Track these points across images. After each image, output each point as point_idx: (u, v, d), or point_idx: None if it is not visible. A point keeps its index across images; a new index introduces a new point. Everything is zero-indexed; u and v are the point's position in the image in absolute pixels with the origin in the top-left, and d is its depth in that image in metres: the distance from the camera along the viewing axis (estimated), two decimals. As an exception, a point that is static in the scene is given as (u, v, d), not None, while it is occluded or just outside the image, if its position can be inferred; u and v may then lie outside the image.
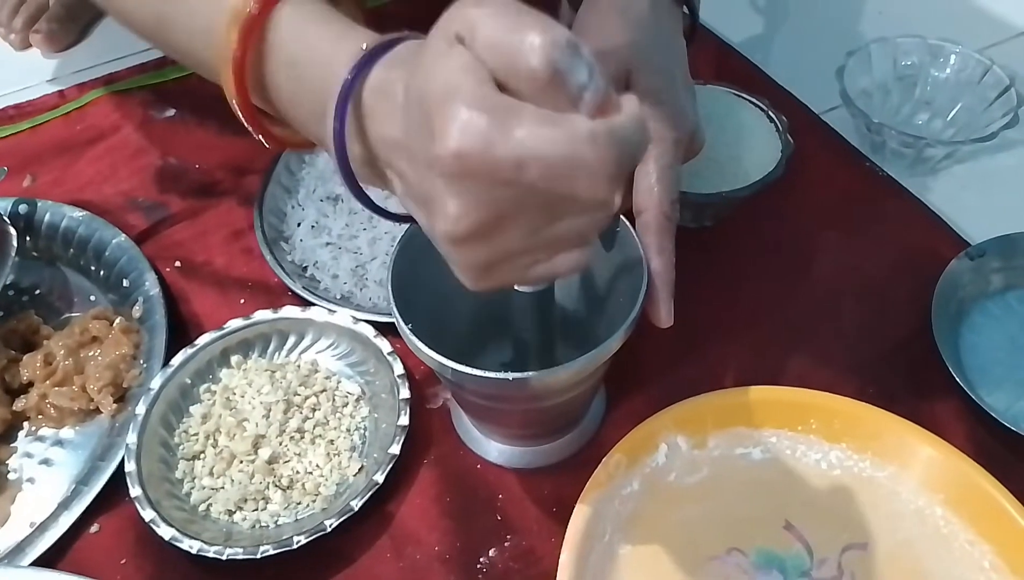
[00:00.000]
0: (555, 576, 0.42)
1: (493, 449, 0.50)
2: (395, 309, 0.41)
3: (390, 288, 0.42)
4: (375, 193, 0.37)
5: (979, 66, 0.65)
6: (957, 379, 0.49)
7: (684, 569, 0.44)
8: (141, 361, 0.54)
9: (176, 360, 0.52)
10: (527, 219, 0.29)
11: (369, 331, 0.53)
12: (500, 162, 0.27)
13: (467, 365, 0.39)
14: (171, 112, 0.72)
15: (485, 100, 0.27)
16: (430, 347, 0.39)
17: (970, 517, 0.44)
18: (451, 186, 0.28)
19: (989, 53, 0.66)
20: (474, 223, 0.29)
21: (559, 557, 0.42)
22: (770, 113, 0.60)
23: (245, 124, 0.40)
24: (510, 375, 0.38)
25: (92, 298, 0.60)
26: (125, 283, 0.58)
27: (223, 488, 0.49)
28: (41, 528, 0.47)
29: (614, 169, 0.28)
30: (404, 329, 0.40)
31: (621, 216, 0.44)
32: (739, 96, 0.61)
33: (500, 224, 0.29)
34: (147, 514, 0.46)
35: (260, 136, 0.41)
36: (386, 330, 0.53)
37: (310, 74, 0.36)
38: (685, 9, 0.51)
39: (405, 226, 0.45)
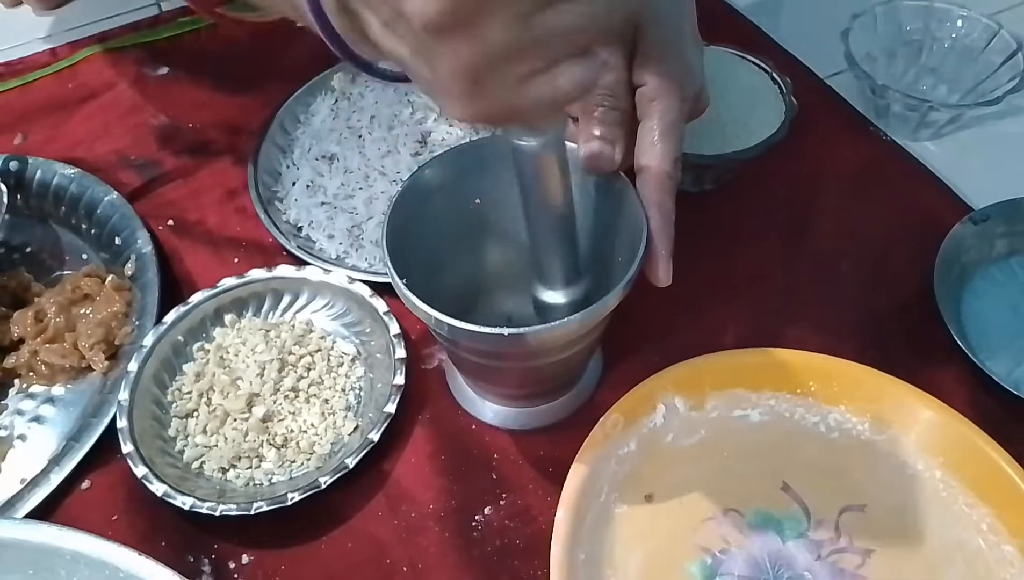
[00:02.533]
0: (550, 535, 0.41)
1: (488, 410, 0.49)
2: (390, 265, 0.40)
3: (385, 244, 0.41)
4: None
5: (986, 30, 0.64)
6: (959, 343, 0.49)
7: (680, 529, 0.44)
8: (133, 319, 0.53)
9: (169, 318, 0.52)
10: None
11: (365, 291, 0.53)
12: None
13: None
14: (164, 70, 0.71)
15: None
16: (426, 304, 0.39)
17: (969, 480, 0.44)
18: None
19: (997, 18, 0.64)
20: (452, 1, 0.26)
21: (555, 516, 0.42)
22: (774, 75, 0.59)
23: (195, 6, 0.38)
24: (505, 331, 0.38)
25: (84, 256, 0.59)
26: (117, 241, 0.57)
27: (216, 446, 0.49)
28: (32, 484, 0.47)
29: None
30: (398, 284, 0.39)
31: (622, 173, 0.43)
32: (743, 57, 0.60)
33: (483, 3, 0.27)
34: (139, 470, 0.45)
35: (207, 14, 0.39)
36: (382, 290, 0.53)
37: None
38: None
39: (401, 186, 0.44)
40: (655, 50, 0.44)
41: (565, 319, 0.38)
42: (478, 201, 0.46)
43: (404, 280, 0.39)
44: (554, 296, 0.44)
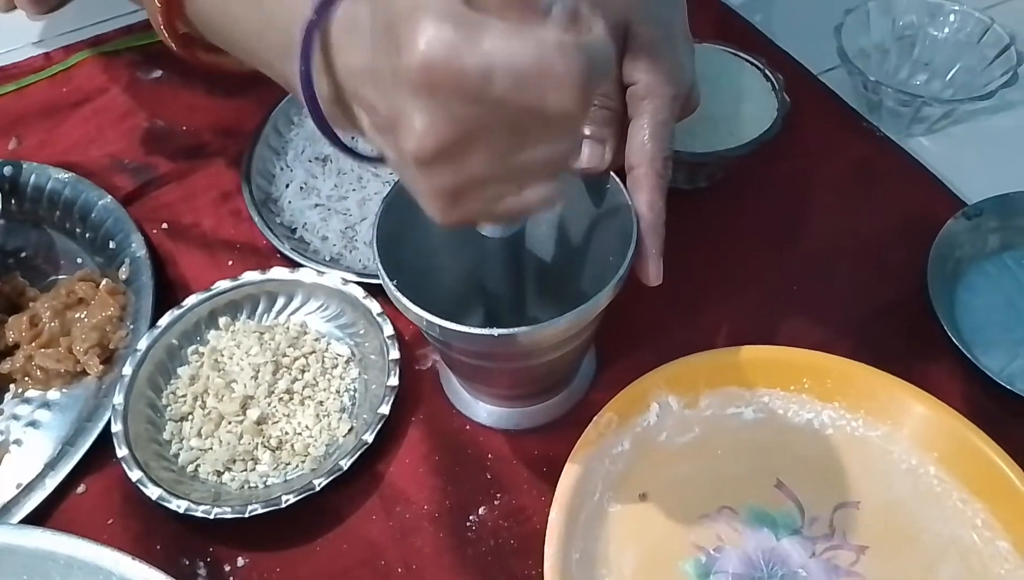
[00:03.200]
0: (545, 534, 0.41)
1: (482, 410, 0.49)
2: (380, 266, 0.40)
3: (375, 246, 0.41)
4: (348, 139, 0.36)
5: (979, 25, 0.64)
6: (952, 339, 0.49)
7: (674, 527, 0.44)
8: (128, 322, 0.53)
9: (163, 321, 0.52)
10: (495, 140, 0.29)
11: (359, 292, 0.53)
12: (467, 72, 0.26)
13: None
14: (158, 73, 0.71)
15: (453, 13, 0.27)
16: (416, 305, 0.39)
17: (963, 476, 0.44)
18: (418, 100, 0.28)
19: (990, 12, 0.64)
20: (441, 140, 0.28)
21: (549, 515, 0.42)
22: (766, 72, 0.59)
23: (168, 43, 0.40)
24: (496, 331, 0.38)
25: (78, 260, 0.59)
26: (111, 245, 0.57)
27: (211, 449, 0.49)
28: (27, 489, 0.47)
29: (582, 79, 0.27)
30: (389, 285, 0.39)
31: (612, 173, 0.43)
32: (735, 55, 0.60)
33: (468, 144, 0.28)
34: (134, 474, 0.46)
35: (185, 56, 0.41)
36: (376, 291, 0.53)
37: (272, 9, 0.35)
38: None
39: (392, 187, 0.44)
40: (646, 48, 0.44)
41: (555, 319, 0.38)
42: None
43: (395, 281, 0.39)
44: (482, 310, 0.46)
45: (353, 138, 0.37)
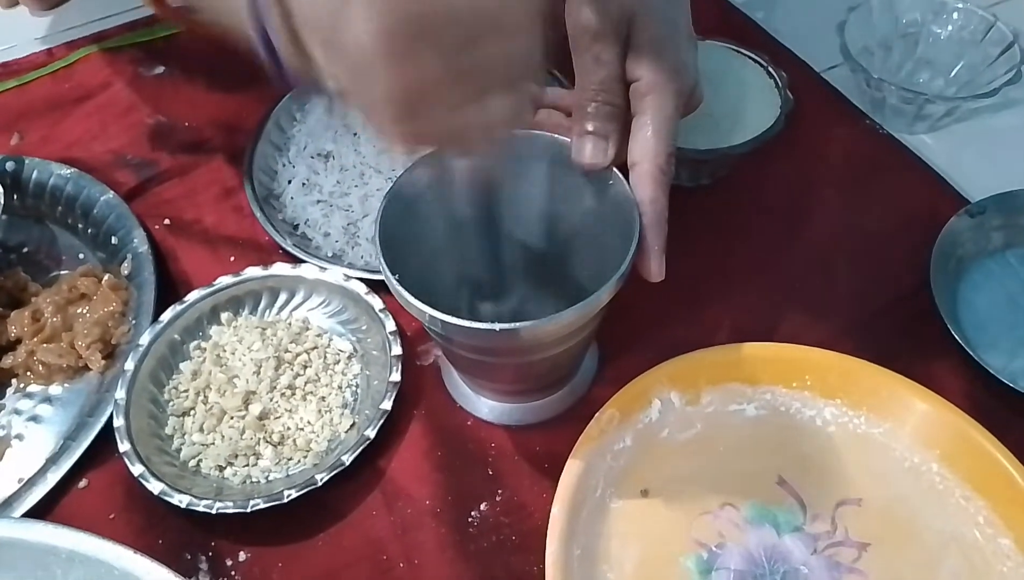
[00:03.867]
0: (546, 530, 0.41)
1: (484, 406, 0.49)
2: (382, 261, 0.40)
3: (377, 240, 0.41)
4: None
5: (982, 23, 0.64)
6: (955, 336, 0.49)
7: (676, 524, 0.44)
8: (130, 318, 0.53)
9: (165, 317, 0.52)
10: (443, 32, 0.28)
11: (361, 288, 0.53)
12: None
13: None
14: (160, 69, 0.71)
15: None
16: (419, 300, 0.39)
17: (965, 473, 0.44)
18: None
19: (993, 10, 0.64)
20: (387, 27, 0.28)
21: (550, 511, 0.42)
22: (770, 69, 0.59)
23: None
24: (498, 326, 0.38)
25: (80, 256, 0.59)
26: (114, 240, 0.57)
27: (213, 444, 0.49)
28: (29, 484, 0.47)
29: None
30: (391, 280, 0.39)
31: (614, 168, 0.43)
32: (738, 52, 0.60)
33: (413, 37, 0.28)
34: (136, 469, 0.46)
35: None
36: (378, 287, 0.53)
37: None
38: None
39: (394, 183, 0.44)
40: (649, 45, 0.44)
41: (557, 314, 0.38)
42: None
43: (397, 276, 0.39)
44: (483, 306, 0.45)
45: (356, 135, 0.37)
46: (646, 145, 0.43)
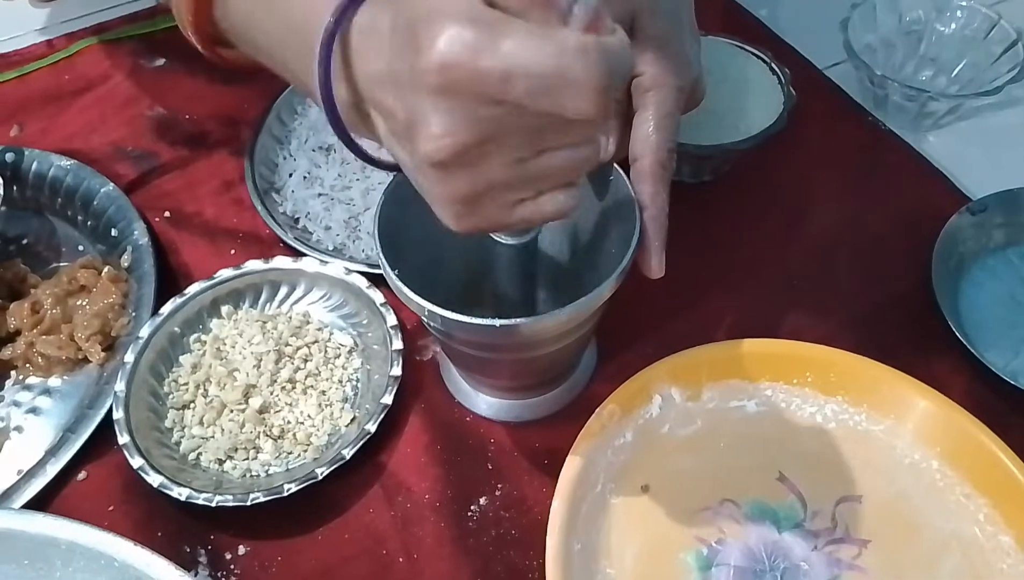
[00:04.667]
0: (546, 525, 0.41)
1: (482, 402, 0.49)
2: (381, 255, 0.40)
3: (377, 235, 0.41)
4: (367, 146, 0.36)
5: (986, 20, 0.64)
6: (956, 334, 0.49)
7: (676, 519, 0.44)
8: (130, 310, 0.53)
9: (165, 309, 0.52)
10: (513, 144, 0.28)
11: (362, 282, 0.53)
12: (486, 73, 0.26)
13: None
14: (161, 61, 0.71)
15: (473, 13, 0.26)
16: (418, 295, 0.39)
17: (966, 470, 0.44)
18: (436, 102, 0.28)
19: (997, 8, 0.64)
20: (458, 143, 0.28)
21: (550, 506, 0.42)
22: (772, 65, 0.59)
23: (194, 42, 0.41)
24: (497, 322, 0.37)
25: (80, 248, 0.59)
26: (114, 233, 0.57)
27: (213, 437, 0.49)
28: (28, 475, 0.47)
29: (602, 83, 0.27)
30: (390, 274, 0.39)
31: (615, 164, 0.43)
32: (741, 48, 0.60)
33: (485, 147, 0.28)
34: (135, 461, 0.45)
35: (209, 55, 0.42)
36: (379, 281, 0.52)
37: (294, 15, 0.35)
38: None
39: (394, 176, 0.44)
40: (652, 40, 0.44)
41: (557, 310, 0.38)
42: None
43: (396, 271, 0.39)
44: (483, 302, 0.46)
45: (378, 149, 0.37)
46: (647, 140, 0.43)
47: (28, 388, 0.52)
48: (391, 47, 0.30)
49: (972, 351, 0.48)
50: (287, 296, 0.55)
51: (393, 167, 0.38)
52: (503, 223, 0.33)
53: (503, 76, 0.26)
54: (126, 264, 0.55)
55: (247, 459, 0.48)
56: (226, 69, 0.45)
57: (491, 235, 0.39)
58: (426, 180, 0.31)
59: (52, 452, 0.47)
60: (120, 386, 0.48)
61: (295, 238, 0.56)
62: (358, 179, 0.58)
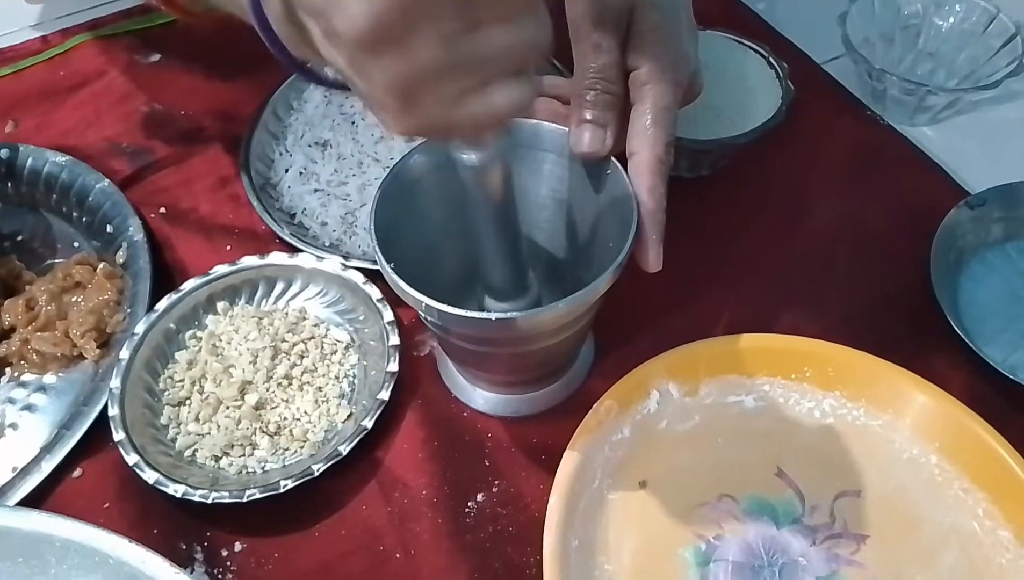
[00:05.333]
0: (543, 521, 0.41)
1: (479, 397, 0.49)
2: (378, 250, 0.40)
3: (373, 230, 0.40)
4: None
5: (984, 14, 0.63)
6: (955, 328, 0.48)
7: (674, 515, 0.44)
8: (125, 306, 0.53)
9: (161, 305, 0.51)
10: (441, 15, 0.27)
11: (358, 278, 0.52)
12: None
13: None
14: (156, 57, 0.70)
15: None
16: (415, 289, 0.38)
17: (964, 465, 0.44)
18: None
19: (995, 2, 0.64)
20: (376, 11, 0.27)
21: (547, 502, 0.42)
22: (771, 60, 0.58)
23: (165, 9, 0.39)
24: (494, 315, 0.37)
25: (75, 244, 0.59)
26: (109, 229, 0.57)
27: (209, 434, 0.48)
28: (23, 472, 0.46)
29: None
30: (387, 269, 0.39)
31: (612, 158, 0.43)
32: (740, 42, 0.60)
33: (410, 19, 0.27)
34: (131, 458, 0.45)
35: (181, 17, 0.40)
36: (375, 277, 0.52)
37: None
38: None
39: (390, 171, 0.43)
40: (649, 34, 0.43)
41: (553, 304, 0.37)
42: None
43: (393, 265, 0.39)
44: (498, 306, 0.44)
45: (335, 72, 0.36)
46: (645, 134, 0.42)
47: (23, 385, 0.52)
48: None
49: (971, 345, 0.48)
50: (283, 292, 0.54)
51: (338, 83, 0.36)
52: (449, 122, 0.30)
53: None
54: (121, 260, 0.55)
55: (243, 455, 0.48)
56: (205, 26, 0.43)
57: (452, 155, 0.36)
58: (359, 74, 0.29)
59: (47, 449, 0.47)
60: (115, 383, 0.48)
61: (291, 234, 0.55)
62: (354, 175, 0.58)
